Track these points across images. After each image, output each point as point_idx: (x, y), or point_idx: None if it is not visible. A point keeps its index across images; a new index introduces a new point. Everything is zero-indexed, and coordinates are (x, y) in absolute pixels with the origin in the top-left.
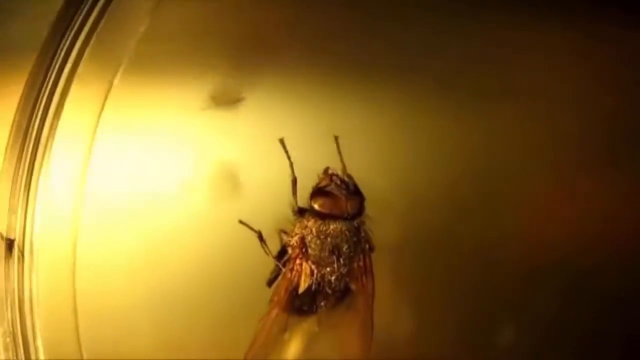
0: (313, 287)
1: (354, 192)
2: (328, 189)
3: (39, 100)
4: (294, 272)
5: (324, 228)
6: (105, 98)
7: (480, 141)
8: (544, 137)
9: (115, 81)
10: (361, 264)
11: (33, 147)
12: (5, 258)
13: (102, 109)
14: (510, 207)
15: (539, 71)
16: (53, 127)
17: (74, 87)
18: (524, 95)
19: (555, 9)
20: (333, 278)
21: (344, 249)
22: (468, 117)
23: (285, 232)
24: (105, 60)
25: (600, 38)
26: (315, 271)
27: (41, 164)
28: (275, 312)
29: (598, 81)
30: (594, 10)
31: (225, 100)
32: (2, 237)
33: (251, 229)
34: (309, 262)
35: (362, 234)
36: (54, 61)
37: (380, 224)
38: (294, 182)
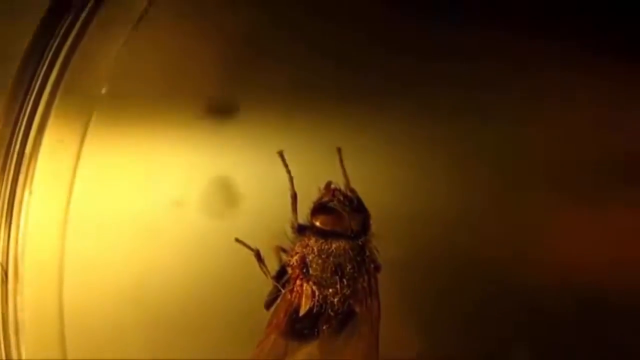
0: (314, 310)
1: (358, 208)
2: (330, 204)
3: (23, 112)
4: (294, 294)
5: (326, 247)
6: (93, 109)
7: (491, 154)
8: (559, 150)
9: (104, 91)
10: (366, 285)
11: (16, 161)
12: None
13: (89, 120)
14: (523, 222)
15: (555, 83)
16: (37, 140)
17: (59, 97)
18: (536, 106)
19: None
20: (336, 300)
21: (348, 269)
22: (477, 128)
23: (284, 251)
24: (91, 68)
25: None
26: (317, 292)
27: (25, 180)
28: (273, 336)
29: (618, 100)
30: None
31: (220, 110)
32: None
33: (248, 247)
34: (310, 283)
35: (367, 253)
36: (38, 70)
37: (386, 242)
38: (294, 197)
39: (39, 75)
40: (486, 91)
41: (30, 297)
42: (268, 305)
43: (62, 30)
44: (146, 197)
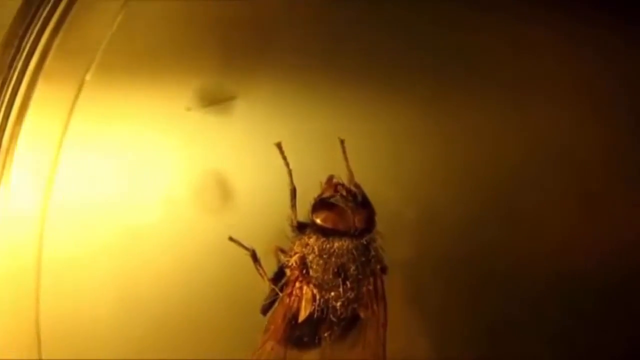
0: (315, 315)
1: (362, 204)
2: (332, 200)
3: (0, 101)
4: (292, 297)
5: (328, 246)
6: (76, 98)
7: (497, 147)
8: (565, 143)
9: (88, 78)
10: (371, 287)
11: None
12: None
13: (72, 110)
14: (531, 217)
15: (561, 74)
16: (15, 132)
17: (39, 86)
18: (544, 98)
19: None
20: (338, 304)
21: (351, 270)
22: (483, 121)
23: (282, 251)
24: (76, 54)
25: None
26: (318, 296)
27: (1, 173)
28: (270, 344)
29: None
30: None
31: (215, 99)
32: None
33: (243, 247)
34: (311, 286)
35: (372, 253)
36: (18, 56)
37: (392, 241)
38: (293, 192)
39: (17, 63)
40: (495, 86)
41: (5, 298)
42: (265, 310)
43: (42, 17)
44: (133, 193)
